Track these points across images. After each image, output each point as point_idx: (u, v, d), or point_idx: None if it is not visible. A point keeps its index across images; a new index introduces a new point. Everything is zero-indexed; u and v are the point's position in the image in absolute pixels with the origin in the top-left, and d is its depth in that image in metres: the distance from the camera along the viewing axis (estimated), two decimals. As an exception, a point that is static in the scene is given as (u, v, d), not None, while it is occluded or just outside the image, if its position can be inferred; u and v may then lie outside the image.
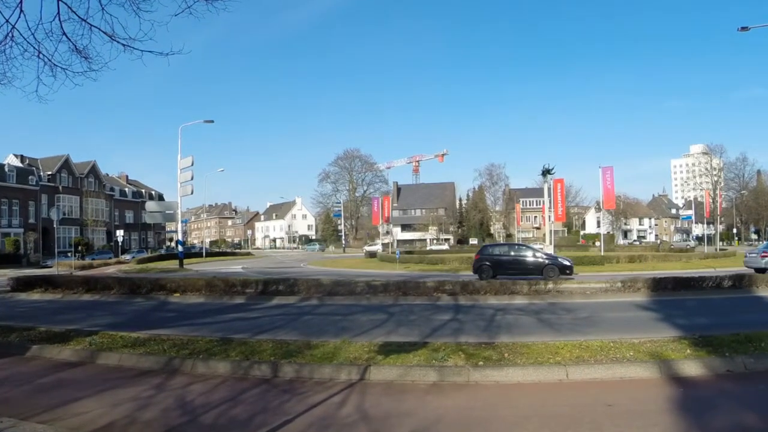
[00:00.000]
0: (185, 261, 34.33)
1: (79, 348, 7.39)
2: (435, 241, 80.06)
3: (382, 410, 4.86)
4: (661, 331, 7.82)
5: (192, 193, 32.34)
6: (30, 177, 52.65)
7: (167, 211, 30.51)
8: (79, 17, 6.18)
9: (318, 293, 13.51)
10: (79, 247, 48.31)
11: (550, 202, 39.04)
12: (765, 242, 37.86)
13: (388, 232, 68.63)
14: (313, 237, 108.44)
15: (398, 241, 76.66)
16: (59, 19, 6.15)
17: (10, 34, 6.19)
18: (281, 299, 13.40)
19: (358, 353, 6.54)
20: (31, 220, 51.92)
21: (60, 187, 56.10)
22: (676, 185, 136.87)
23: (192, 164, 31.97)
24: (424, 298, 12.80)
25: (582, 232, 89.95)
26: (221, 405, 5.05)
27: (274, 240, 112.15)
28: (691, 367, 5.85)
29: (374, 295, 13.18)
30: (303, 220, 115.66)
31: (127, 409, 4.95)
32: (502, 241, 63.25)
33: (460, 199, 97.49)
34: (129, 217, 69.19)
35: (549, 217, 39.98)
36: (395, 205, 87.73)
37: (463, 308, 11.45)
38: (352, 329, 8.74)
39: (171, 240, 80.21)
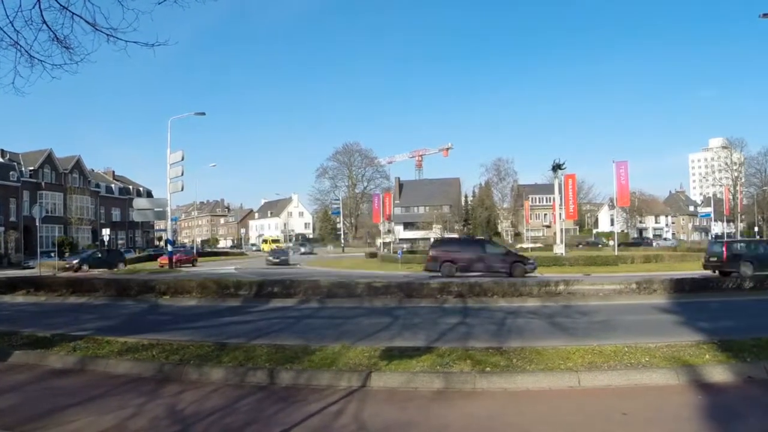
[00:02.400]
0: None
1: (65, 354, 7.41)
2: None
3: (383, 420, 4.87)
4: (679, 335, 7.86)
5: (182, 189, 32.44)
6: (11, 172, 52.69)
7: (156, 209, 30.65)
8: (60, 5, 6.19)
9: (317, 295, 13.56)
10: (63, 247, 48.42)
11: (561, 199, 39.10)
12: None
13: (389, 231, 68.64)
14: (311, 236, 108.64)
15: (400, 240, 76.76)
16: (39, 7, 6.17)
17: (-15, 23, 6.21)
18: (279, 302, 13.46)
19: (360, 359, 6.56)
20: (12, 218, 51.95)
21: (42, 183, 56.16)
22: (694, 181, 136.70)
23: (182, 159, 32.03)
24: (430, 300, 12.85)
25: (594, 231, 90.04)
26: (214, 414, 5.08)
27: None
28: (710, 373, 5.87)
29: (376, 297, 13.22)
30: (300, 218, 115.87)
31: (117, 417, 4.98)
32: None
33: (466, 196, 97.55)
34: (116, 215, 69.31)
35: (560, 214, 40.02)
36: (397, 202, 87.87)
37: (471, 311, 11.51)
38: (353, 333, 8.78)
39: (160, 239, 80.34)
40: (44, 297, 15.36)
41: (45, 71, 6.81)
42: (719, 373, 5.88)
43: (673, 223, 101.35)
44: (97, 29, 6.44)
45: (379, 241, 72.76)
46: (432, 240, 38.35)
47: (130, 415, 5.05)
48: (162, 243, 72.21)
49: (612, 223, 76.38)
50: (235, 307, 13.01)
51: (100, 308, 13.45)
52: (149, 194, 70.22)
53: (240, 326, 10.09)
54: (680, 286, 13.05)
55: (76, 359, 7.21)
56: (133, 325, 10.30)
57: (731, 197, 67.11)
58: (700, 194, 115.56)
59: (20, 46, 6.52)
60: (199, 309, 12.92)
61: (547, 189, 78.25)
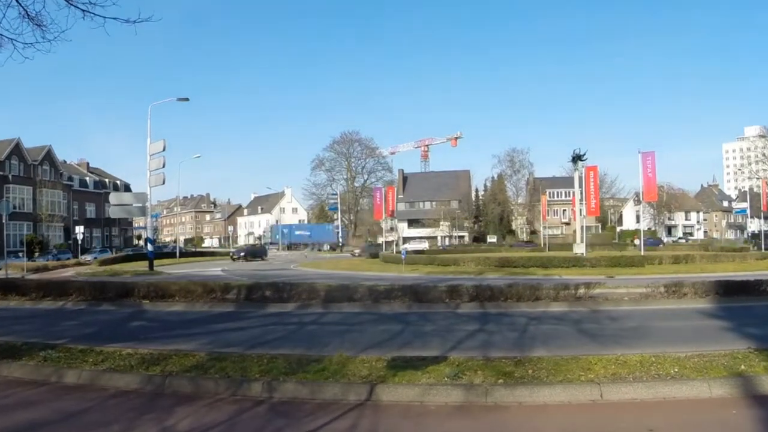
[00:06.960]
0: (156, 262, 34.52)
1: (39, 364, 7.45)
2: (447, 239, 79.81)
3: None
4: (712, 344, 7.90)
5: (164, 183, 32.44)
6: (-26, 164, 52.83)
7: (135, 204, 30.64)
8: (32, -22, 6.22)
9: (316, 300, 13.68)
10: (33, 246, 48.54)
11: (581, 194, 39.08)
12: None
13: (392, 228, 68.71)
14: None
15: (404, 239, 76.79)
16: (8, -19, 6.19)
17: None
18: (275, 307, 13.58)
19: (365, 370, 6.67)
20: (-23, 215, 52.13)
21: (9, 176, 56.25)
22: (728, 174, 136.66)
23: (164, 149, 32.04)
24: (441, 305, 13.01)
25: (619, 228, 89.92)
26: (213, 429, 5.16)
27: (260, 237, 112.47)
28: (747, 386, 5.93)
29: (382, 302, 13.38)
30: (293, 215, 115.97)
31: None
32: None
33: (477, 190, 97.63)
34: (90, 211, 69.44)
35: (580, 210, 40.05)
36: (401, 196, 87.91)
37: (489, 317, 11.64)
38: (359, 342, 8.89)
39: (139, 238, 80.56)
40: (14, 302, 15.46)
41: (16, 51, 6.84)
42: (757, 385, 5.93)
43: (705, 219, 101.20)
44: (71, 4, 6.47)
45: (380, 240, 72.85)
46: None
47: None
48: (141, 242, 72.36)
49: (638, 220, 76.33)
50: (228, 313, 13.11)
51: (77, 314, 13.53)
52: (127, 188, 70.33)
53: (235, 334, 10.19)
54: (714, 290, 13.12)
55: (53, 370, 7.25)
56: (116, 332, 10.36)
57: (770, 191, 66.81)
58: (735, 188, 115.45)
59: (-13, 23, 6.56)
60: (187, 315, 13.02)
61: (567, 182, 78.13)
